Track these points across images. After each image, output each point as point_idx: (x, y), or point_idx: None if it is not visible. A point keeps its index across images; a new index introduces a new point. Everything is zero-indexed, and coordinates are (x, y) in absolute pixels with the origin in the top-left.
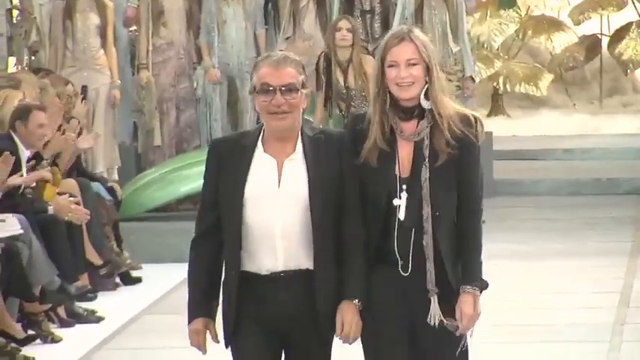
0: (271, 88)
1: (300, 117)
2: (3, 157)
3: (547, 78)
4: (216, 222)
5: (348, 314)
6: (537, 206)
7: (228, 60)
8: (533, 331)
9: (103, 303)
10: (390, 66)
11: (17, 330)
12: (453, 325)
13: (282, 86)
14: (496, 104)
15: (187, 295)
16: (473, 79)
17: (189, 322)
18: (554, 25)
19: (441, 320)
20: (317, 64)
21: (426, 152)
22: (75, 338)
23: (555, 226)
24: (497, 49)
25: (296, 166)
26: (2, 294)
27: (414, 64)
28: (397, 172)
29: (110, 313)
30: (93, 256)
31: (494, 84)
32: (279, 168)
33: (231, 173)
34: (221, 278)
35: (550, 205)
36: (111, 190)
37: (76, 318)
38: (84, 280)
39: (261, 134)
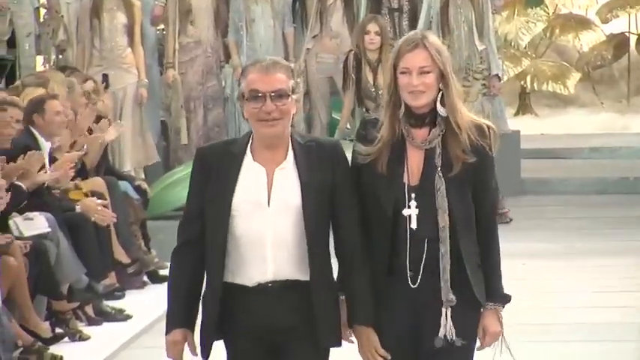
0: (260, 95)
1: (290, 124)
2: (29, 156)
3: (574, 76)
4: (200, 232)
5: (366, 343)
6: (564, 205)
7: (256, 58)
8: (560, 330)
9: (131, 301)
10: (403, 73)
11: (44, 329)
12: (462, 342)
13: (272, 92)
14: (523, 103)
15: (167, 304)
16: (499, 78)
17: (166, 333)
18: (581, 23)
19: (452, 335)
20: (345, 62)
21: (439, 161)
22: (103, 336)
23: (582, 225)
24: (525, 48)
25: (288, 174)
26: (30, 292)
27: (427, 72)
28: (406, 180)
29: (138, 312)
30: (121, 255)
31: (522, 82)
32: (270, 177)
33: (219, 182)
34: (202, 290)
35: (577, 204)
36: (138, 189)
37: (103, 316)
38: (112, 279)
39: (250, 142)
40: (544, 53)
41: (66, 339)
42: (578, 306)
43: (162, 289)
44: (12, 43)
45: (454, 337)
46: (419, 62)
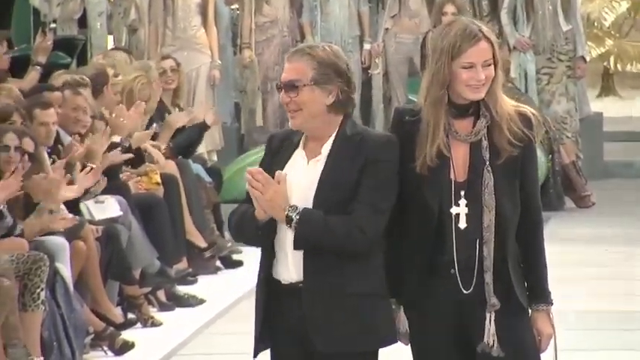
0: (279, 85)
1: (324, 115)
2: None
3: None
4: None
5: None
6: None
7: (331, 38)
8: None
9: (204, 286)
10: (464, 67)
11: (116, 314)
12: (500, 354)
13: (284, 83)
14: (607, 84)
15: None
16: (584, 59)
17: None
18: None
19: (493, 342)
20: (423, 42)
21: (487, 154)
22: (175, 322)
23: None
24: (608, 28)
25: (317, 168)
26: (102, 277)
27: (489, 65)
28: (452, 177)
29: (211, 297)
30: (197, 239)
31: (605, 63)
32: (304, 169)
33: (272, 170)
34: None
35: None
36: (211, 172)
37: (176, 301)
38: (184, 264)
39: None
40: (628, 33)
41: (138, 324)
42: None
43: (235, 274)
44: (83, 22)
45: (495, 347)
46: (484, 56)
